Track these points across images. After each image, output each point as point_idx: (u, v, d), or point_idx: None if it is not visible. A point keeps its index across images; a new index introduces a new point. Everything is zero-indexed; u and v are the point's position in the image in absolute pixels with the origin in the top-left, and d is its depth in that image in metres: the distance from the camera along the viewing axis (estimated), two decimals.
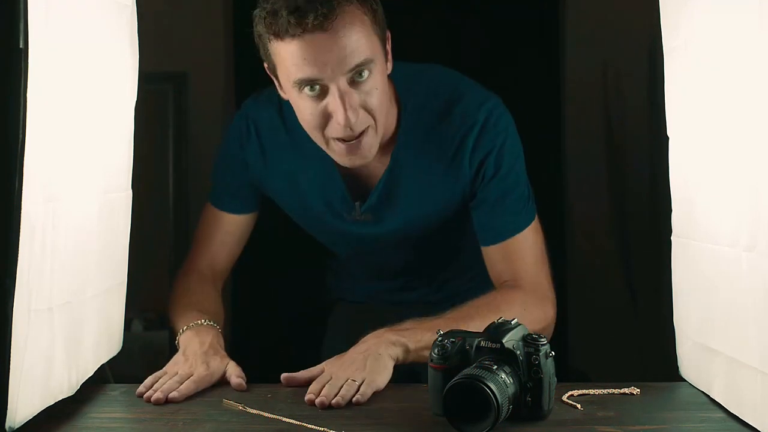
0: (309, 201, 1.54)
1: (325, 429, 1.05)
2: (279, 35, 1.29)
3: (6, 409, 0.97)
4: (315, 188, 1.52)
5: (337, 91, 1.29)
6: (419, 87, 1.49)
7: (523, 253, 1.47)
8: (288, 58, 1.30)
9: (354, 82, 1.31)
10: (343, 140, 1.35)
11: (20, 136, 0.95)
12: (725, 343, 1.10)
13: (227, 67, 2.46)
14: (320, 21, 1.24)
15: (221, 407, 1.17)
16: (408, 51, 2.38)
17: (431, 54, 2.40)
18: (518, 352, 1.08)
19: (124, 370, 1.46)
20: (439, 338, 1.13)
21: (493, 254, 1.46)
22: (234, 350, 2.45)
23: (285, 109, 1.49)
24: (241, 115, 1.59)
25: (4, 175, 0.95)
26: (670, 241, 1.29)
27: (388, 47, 1.40)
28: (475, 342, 1.10)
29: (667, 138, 1.28)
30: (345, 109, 1.30)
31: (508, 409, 1.04)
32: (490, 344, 1.09)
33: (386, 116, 1.40)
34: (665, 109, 1.29)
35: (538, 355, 1.07)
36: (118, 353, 1.38)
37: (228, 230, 1.60)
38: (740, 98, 1.01)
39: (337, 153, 1.38)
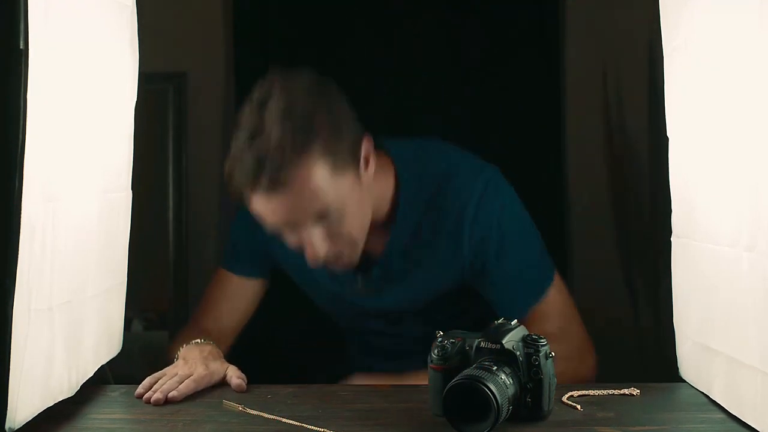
0: (317, 276, 1.56)
1: (325, 429, 1.05)
2: (239, 191, 1.31)
3: (6, 409, 0.97)
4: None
5: (304, 233, 1.34)
6: (415, 165, 1.49)
7: (549, 316, 1.45)
8: (254, 211, 1.33)
9: (321, 220, 1.33)
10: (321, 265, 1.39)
11: (20, 136, 0.95)
12: (725, 343, 1.10)
13: (227, 67, 2.46)
14: (270, 183, 1.26)
15: (221, 408, 1.17)
16: (408, 52, 2.38)
17: (431, 54, 2.40)
18: (518, 353, 1.08)
19: (124, 370, 1.46)
20: (439, 339, 1.13)
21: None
22: (235, 350, 2.46)
23: None
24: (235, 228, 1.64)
25: (4, 175, 0.95)
26: (670, 241, 1.29)
27: (366, 155, 1.39)
28: (475, 343, 1.10)
29: (667, 138, 1.28)
30: (313, 248, 1.34)
31: (508, 409, 1.04)
32: (490, 345, 1.09)
33: (369, 222, 1.42)
34: (665, 109, 1.29)
35: (538, 356, 1.07)
36: (118, 353, 1.38)
37: (238, 293, 1.61)
38: (740, 98, 1.01)
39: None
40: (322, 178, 1.30)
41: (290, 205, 1.29)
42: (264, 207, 1.30)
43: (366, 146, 1.40)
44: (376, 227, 1.46)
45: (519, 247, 1.48)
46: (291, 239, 1.37)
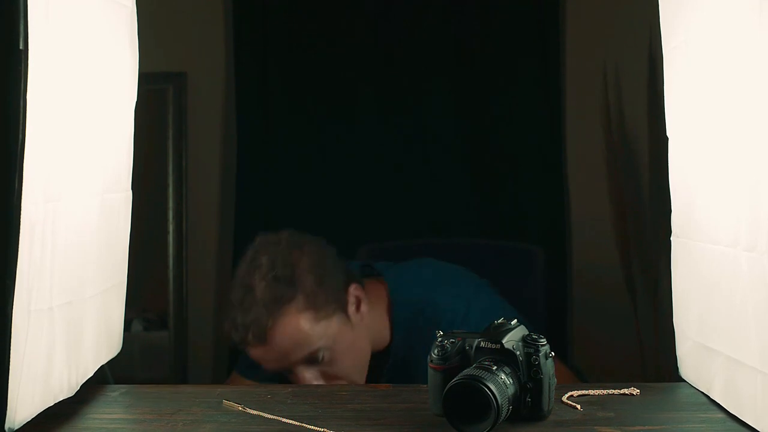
0: None
1: (325, 429, 1.05)
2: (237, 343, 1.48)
3: (6, 409, 0.97)
4: None
5: (298, 374, 1.46)
6: (401, 294, 1.58)
7: None
8: (252, 357, 1.49)
9: (312, 362, 1.45)
10: None
11: (20, 136, 0.95)
12: (725, 343, 1.10)
13: (227, 67, 2.46)
14: (255, 338, 1.43)
15: (221, 408, 1.17)
16: (408, 52, 2.38)
17: (431, 54, 2.40)
18: (518, 353, 1.08)
19: (124, 370, 1.46)
20: (439, 339, 1.13)
21: None
22: (235, 350, 2.46)
23: None
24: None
25: (4, 175, 0.94)
26: (670, 241, 1.29)
27: (357, 298, 1.51)
28: (475, 342, 1.10)
29: (667, 138, 1.28)
30: (308, 383, 1.45)
31: (508, 409, 1.03)
32: (489, 345, 1.09)
33: (367, 356, 1.51)
34: (665, 109, 1.29)
35: (538, 356, 1.07)
36: (118, 353, 1.38)
37: None
38: (740, 98, 1.01)
39: None
40: (306, 327, 1.44)
41: (278, 354, 1.44)
42: (258, 357, 1.47)
43: (355, 292, 1.52)
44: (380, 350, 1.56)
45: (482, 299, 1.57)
46: (290, 378, 1.48)
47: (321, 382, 1.46)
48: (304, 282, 1.45)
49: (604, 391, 1.23)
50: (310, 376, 1.45)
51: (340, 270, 1.52)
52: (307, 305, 1.44)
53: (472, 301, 1.56)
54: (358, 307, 1.52)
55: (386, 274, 1.61)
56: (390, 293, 1.58)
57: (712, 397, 1.16)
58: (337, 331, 1.47)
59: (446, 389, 1.03)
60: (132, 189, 1.38)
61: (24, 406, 1.00)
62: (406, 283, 1.61)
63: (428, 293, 1.58)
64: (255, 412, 1.13)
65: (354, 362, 1.49)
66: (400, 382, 1.53)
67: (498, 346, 1.08)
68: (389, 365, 1.56)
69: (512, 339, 1.09)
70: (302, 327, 1.43)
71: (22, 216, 0.96)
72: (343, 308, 1.50)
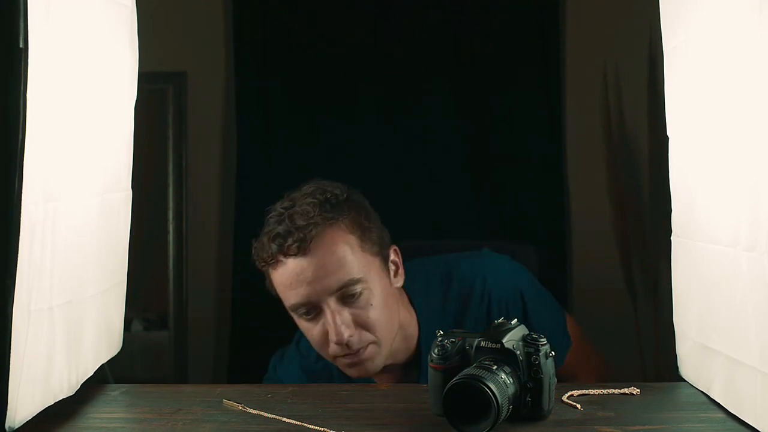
0: None
1: (325, 429, 1.05)
2: (268, 263, 1.37)
3: (6, 408, 0.97)
4: None
5: (328, 310, 1.35)
6: (420, 292, 1.51)
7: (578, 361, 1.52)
8: (279, 285, 1.37)
9: (345, 299, 1.35)
10: (344, 355, 1.38)
11: (20, 136, 0.95)
12: (725, 343, 1.10)
13: (227, 67, 2.46)
14: (298, 245, 1.32)
15: (221, 407, 1.17)
16: (408, 53, 2.38)
17: (431, 54, 2.40)
18: (518, 352, 1.08)
19: (124, 370, 1.46)
20: (439, 338, 1.13)
21: None
22: (235, 350, 2.46)
23: (304, 351, 1.52)
24: (274, 380, 1.58)
25: (4, 175, 0.94)
26: (670, 241, 1.29)
27: (395, 261, 1.44)
28: (475, 342, 1.10)
29: (667, 138, 1.28)
30: (336, 326, 1.34)
31: (508, 409, 1.03)
32: (490, 344, 1.09)
33: (396, 330, 1.42)
34: (665, 109, 1.29)
35: (538, 355, 1.07)
36: (118, 353, 1.38)
37: None
38: (740, 98, 1.01)
39: (342, 367, 1.41)
40: (349, 249, 1.35)
41: (317, 270, 1.33)
42: (291, 273, 1.34)
43: (395, 255, 1.45)
44: (408, 361, 1.48)
45: (541, 302, 1.54)
46: (314, 331, 1.38)
47: (350, 331, 1.35)
48: (352, 211, 1.38)
49: (604, 391, 1.23)
50: (342, 317, 1.34)
51: (383, 228, 1.44)
52: (354, 228, 1.36)
53: (489, 258, 1.55)
54: (396, 271, 1.45)
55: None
56: (410, 297, 1.51)
57: (712, 397, 1.16)
58: (377, 276, 1.38)
59: (446, 389, 1.03)
60: (132, 189, 1.38)
61: (24, 405, 1.00)
62: (421, 274, 1.54)
63: (443, 270, 1.53)
64: (255, 412, 1.13)
65: (387, 319, 1.39)
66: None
67: (498, 345, 1.08)
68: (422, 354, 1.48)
69: (512, 338, 1.09)
70: (347, 247, 1.35)
71: (22, 216, 0.96)
72: (384, 259, 1.42)
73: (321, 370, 1.50)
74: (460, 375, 1.04)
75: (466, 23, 2.40)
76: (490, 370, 1.04)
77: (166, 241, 2.43)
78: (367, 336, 1.38)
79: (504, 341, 1.08)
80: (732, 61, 1.03)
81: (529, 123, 2.40)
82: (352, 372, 1.41)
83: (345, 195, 1.40)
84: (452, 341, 1.11)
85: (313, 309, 1.36)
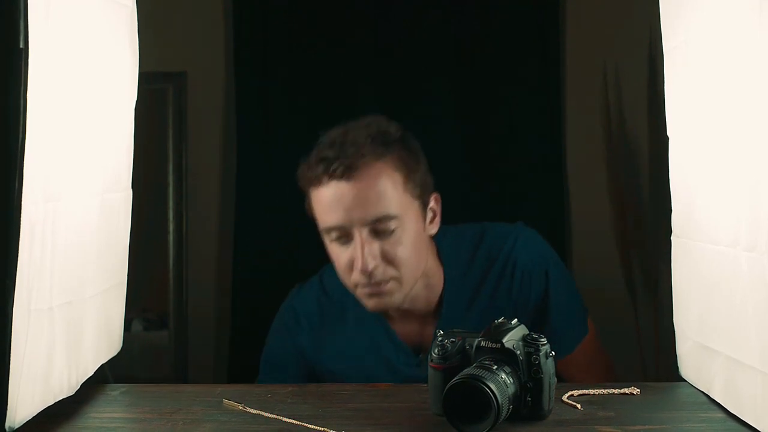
0: (366, 364, 1.55)
1: (325, 429, 1.05)
2: (312, 182, 1.42)
3: (6, 408, 0.97)
4: (372, 351, 1.55)
5: (359, 238, 1.39)
6: (451, 249, 1.55)
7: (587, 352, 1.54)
8: (318, 205, 1.42)
9: (377, 232, 1.39)
10: (365, 285, 1.42)
11: (20, 136, 0.95)
12: (725, 343, 1.10)
13: (227, 67, 2.46)
14: (344, 169, 1.36)
15: (221, 407, 1.17)
16: (408, 53, 2.38)
17: (431, 54, 2.40)
18: (518, 352, 1.08)
19: (124, 370, 1.46)
20: (440, 338, 1.13)
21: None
22: (235, 350, 2.46)
23: (327, 286, 1.55)
24: (287, 308, 1.61)
25: (4, 175, 0.95)
26: (670, 241, 1.29)
27: (433, 208, 1.48)
28: (475, 342, 1.10)
29: (667, 138, 1.28)
30: (363, 256, 1.38)
31: (508, 409, 1.04)
32: (490, 344, 1.09)
33: (420, 273, 1.46)
34: (665, 109, 1.29)
35: (538, 355, 1.07)
36: (118, 353, 1.38)
37: None
38: (740, 98, 1.01)
39: (361, 297, 1.45)
40: (391, 185, 1.39)
41: (356, 197, 1.37)
42: (331, 196, 1.38)
43: (435, 202, 1.49)
44: (428, 312, 1.52)
45: (563, 283, 1.56)
46: (342, 257, 1.42)
47: (375, 262, 1.39)
48: (403, 150, 1.43)
49: (605, 391, 1.23)
50: (371, 247, 1.38)
51: (429, 173, 1.49)
52: (401, 166, 1.41)
53: (519, 229, 1.57)
54: (433, 218, 1.49)
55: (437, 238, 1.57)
56: (439, 251, 1.55)
57: (712, 397, 1.16)
58: (413, 217, 1.43)
59: (446, 388, 1.03)
60: (132, 189, 1.38)
61: (24, 405, 1.00)
62: (453, 233, 1.58)
63: (476, 231, 1.57)
64: (255, 412, 1.13)
65: (413, 258, 1.43)
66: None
67: (498, 345, 1.08)
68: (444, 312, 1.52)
69: (512, 338, 1.09)
70: (390, 182, 1.39)
71: (22, 216, 0.96)
72: (423, 205, 1.46)
73: (337, 307, 1.54)
74: (460, 375, 1.04)
75: (466, 23, 2.40)
76: (490, 369, 1.04)
77: (166, 241, 2.43)
78: (391, 271, 1.42)
79: (504, 341, 1.08)
80: (732, 61, 1.03)
81: (529, 123, 2.40)
82: (370, 303, 1.45)
83: (399, 134, 1.44)
84: (452, 341, 1.11)
85: (345, 235, 1.41)
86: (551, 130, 2.42)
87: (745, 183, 1.01)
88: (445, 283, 1.52)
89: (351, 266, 1.42)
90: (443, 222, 1.54)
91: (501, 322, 1.12)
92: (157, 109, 2.43)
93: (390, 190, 1.39)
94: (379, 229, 1.39)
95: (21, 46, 0.95)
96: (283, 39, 2.42)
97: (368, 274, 1.39)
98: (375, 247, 1.39)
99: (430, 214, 1.48)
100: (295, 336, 1.58)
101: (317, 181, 1.40)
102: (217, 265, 2.49)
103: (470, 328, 1.48)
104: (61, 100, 1.05)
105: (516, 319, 1.12)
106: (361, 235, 1.39)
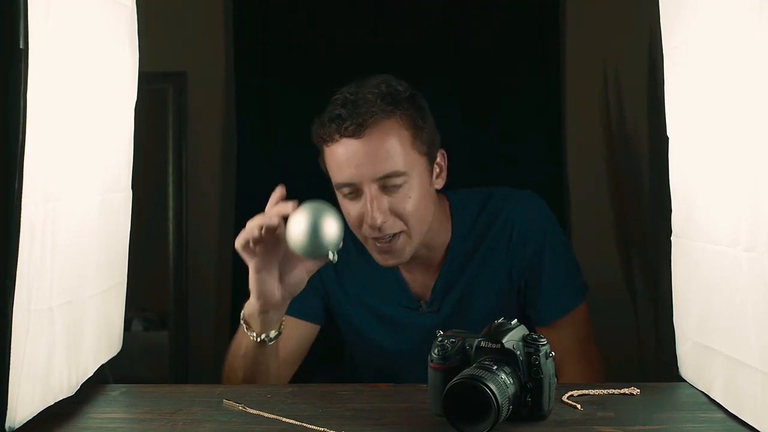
0: (379, 307, 1.63)
1: (325, 429, 1.05)
2: (324, 140, 1.47)
3: (6, 408, 0.97)
4: (383, 294, 1.62)
5: (368, 194, 1.44)
6: (460, 205, 1.63)
7: (573, 329, 1.57)
8: (330, 162, 1.48)
9: (386, 188, 1.44)
10: (376, 240, 1.48)
11: (20, 136, 0.95)
12: (725, 343, 1.10)
13: (227, 67, 2.46)
14: (355, 127, 1.42)
15: (221, 407, 1.17)
16: (408, 52, 2.38)
17: (431, 54, 2.40)
18: (518, 353, 1.08)
19: (124, 370, 1.46)
20: (440, 338, 1.13)
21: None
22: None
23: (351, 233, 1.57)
24: None
25: (4, 175, 0.95)
26: (670, 241, 1.29)
27: (440, 164, 1.55)
28: (475, 342, 1.10)
29: (667, 138, 1.28)
30: (372, 211, 1.44)
31: (508, 409, 1.04)
32: (490, 344, 1.09)
33: (427, 226, 1.52)
34: (665, 109, 1.29)
35: (538, 356, 1.07)
36: (118, 353, 1.38)
37: (290, 334, 1.53)
38: (740, 98, 1.01)
39: (373, 251, 1.52)
40: (399, 143, 1.44)
41: (366, 155, 1.42)
42: (343, 153, 1.44)
43: (441, 158, 1.55)
44: (433, 263, 1.59)
45: (560, 248, 1.60)
46: (353, 211, 1.47)
47: (383, 217, 1.44)
48: (411, 108, 1.47)
49: (604, 391, 1.23)
50: (379, 202, 1.44)
51: (436, 131, 1.55)
52: (410, 125, 1.46)
53: (525, 195, 1.63)
54: (439, 173, 1.55)
55: (449, 195, 1.65)
56: (450, 203, 1.62)
57: (712, 397, 1.16)
58: (420, 172, 1.48)
59: (446, 389, 1.03)
60: (132, 189, 1.38)
61: (24, 405, 1.00)
62: (466, 192, 1.66)
63: (485, 193, 1.64)
64: (255, 412, 1.14)
65: (420, 211, 1.49)
66: (444, 298, 1.59)
67: (498, 345, 1.08)
68: (443, 275, 1.59)
69: (512, 339, 1.09)
70: (398, 140, 1.44)
71: (22, 216, 0.96)
72: (430, 160, 1.52)
73: (359, 244, 1.57)
74: (460, 375, 1.04)
75: (466, 23, 2.39)
76: (490, 370, 1.04)
77: (166, 241, 2.43)
78: (399, 224, 1.47)
79: (504, 341, 1.08)
80: (732, 62, 1.03)
81: (528, 123, 2.40)
82: (381, 258, 1.51)
83: (408, 93, 1.49)
84: (452, 341, 1.11)
85: (355, 191, 1.46)
86: (551, 130, 2.41)
87: (745, 183, 1.01)
88: (452, 236, 1.59)
89: (361, 221, 1.47)
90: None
91: (501, 323, 1.12)
92: (157, 109, 2.42)
93: (398, 148, 1.44)
94: (387, 184, 1.44)
95: (21, 46, 0.95)
96: (283, 39, 2.42)
97: (377, 228, 1.45)
98: (384, 202, 1.45)
99: (436, 170, 1.54)
100: (322, 273, 1.57)
101: (330, 139, 1.45)
102: (217, 265, 2.48)
103: (468, 279, 1.57)
104: (61, 100, 1.05)
105: (516, 320, 1.12)
106: (370, 191, 1.44)
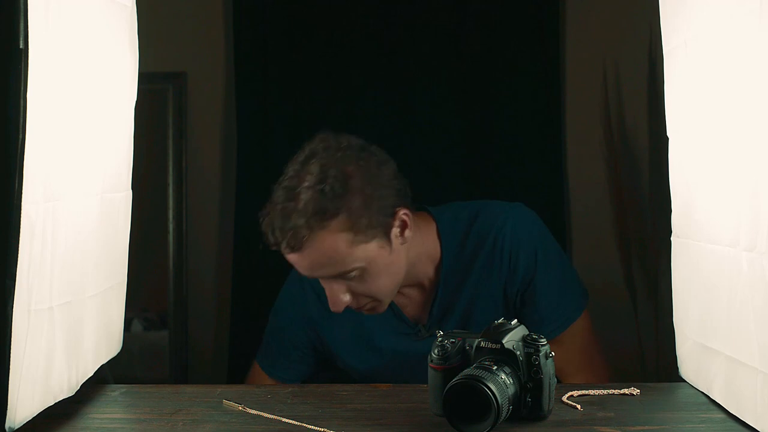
0: (375, 338, 1.60)
1: (325, 429, 1.05)
2: (272, 245, 1.43)
3: (6, 409, 0.97)
4: (378, 325, 1.59)
5: (327, 286, 1.45)
6: (452, 219, 1.60)
7: (578, 338, 1.55)
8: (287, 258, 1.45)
9: (343, 277, 1.42)
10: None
11: (20, 136, 0.95)
12: (725, 343, 1.10)
13: (227, 67, 2.46)
14: (291, 247, 1.39)
15: (221, 408, 1.17)
16: (408, 52, 2.38)
17: (431, 54, 2.40)
18: (518, 353, 1.08)
19: (124, 370, 1.46)
20: (439, 339, 1.13)
21: None
22: (235, 350, 2.45)
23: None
24: (293, 279, 1.64)
25: (4, 175, 0.95)
26: (670, 241, 1.29)
27: (402, 220, 1.47)
28: (475, 342, 1.10)
29: (667, 138, 1.28)
30: (333, 298, 1.44)
31: (508, 409, 1.04)
32: (490, 344, 1.09)
33: (401, 278, 1.49)
34: (665, 109, 1.29)
35: (538, 356, 1.07)
36: (118, 353, 1.38)
37: None
38: (740, 98, 1.01)
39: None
40: (342, 248, 1.39)
41: (310, 265, 1.41)
42: (291, 260, 1.43)
43: (402, 216, 1.48)
44: (425, 286, 1.57)
45: (552, 264, 1.57)
46: (322, 284, 1.47)
47: (347, 298, 1.44)
48: (350, 202, 1.39)
49: (604, 391, 1.23)
50: (338, 288, 1.43)
51: (393, 191, 1.47)
52: (348, 226, 1.39)
53: (514, 209, 1.61)
54: (402, 231, 1.49)
55: (432, 211, 1.62)
56: (437, 224, 1.59)
57: (712, 397, 1.16)
58: (374, 254, 1.43)
59: (446, 389, 1.03)
60: (132, 189, 1.38)
61: (24, 405, 1.00)
62: (453, 209, 1.63)
63: (473, 210, 1.61)
64: (255, 412, 1.14)
65: (385, 282, 1.47)
66: (442, 320, 1.56)
67: (498, 346, 1.08)
68: (439, 294, 1.56)
69: (512, 339, 1.09)
70: (339, 247, 1.39)
71: (22, 216, 0.96)
72: (385, 232, 1.45)
73: None
74: (460, 375, 1.04)
75: (466, 22, 2.39)
76: (490, 370, 1.04)
77: (166, 241, 2.42)
78: (365, 300, 1.47)
79: (504, 341, 1.08)
80: (732, 62, 1.03)
81: (528, 122, 2.40)
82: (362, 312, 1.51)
83: (353, 174, 1.41)
84: (452, 341, 1.11)
85: (317, 278, 1.46)
86: (551, 130, 2.41)
87: (745, 183, 1.01)
88: (441, 258, 1.56)
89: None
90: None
91: (501, 323, 1.12)
92: (157, 109, 2.42)
93: (342, 250, 1.40)
94: (344, 277, 1.43)
95: (21, 46, 0.95)
96: (283, 39, 2.42)
97: (342, 310, 1.45)
98: (343, 287, 1.44)
99: (398, 228, 1.47)
100: (303, 305, 1.61)
101: (273, 246, 1.42)
102: (217, 265, 2.48)
103: (464, 304, 1.54)
104: (61, 100, 1.05)
105: (516, 320, 1.12)
106: (327, 282, 1.44)
